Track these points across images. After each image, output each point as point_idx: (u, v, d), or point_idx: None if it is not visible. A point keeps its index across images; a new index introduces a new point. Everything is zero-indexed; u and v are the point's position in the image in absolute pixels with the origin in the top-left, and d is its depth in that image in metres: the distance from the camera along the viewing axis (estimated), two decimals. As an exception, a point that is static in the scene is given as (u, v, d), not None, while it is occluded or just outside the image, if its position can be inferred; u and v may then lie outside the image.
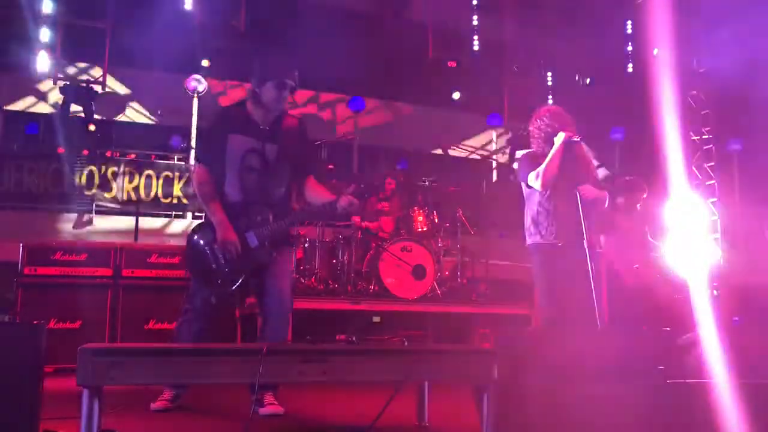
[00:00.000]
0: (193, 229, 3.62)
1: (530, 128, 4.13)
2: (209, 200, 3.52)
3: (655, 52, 6.65)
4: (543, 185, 3.93)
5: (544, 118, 4.05)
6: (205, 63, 9.54)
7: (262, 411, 3.40)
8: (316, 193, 3.72)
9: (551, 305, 3.95)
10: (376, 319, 6.17)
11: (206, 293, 3.51)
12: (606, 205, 4.12)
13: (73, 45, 9.17)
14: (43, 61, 9.00)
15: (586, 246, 3.76)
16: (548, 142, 4.00)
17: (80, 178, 8.34)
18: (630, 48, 10.59)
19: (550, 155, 3.92)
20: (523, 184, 4.12)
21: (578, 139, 3.93)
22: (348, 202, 3.56)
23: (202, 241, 3.51)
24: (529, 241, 4.11)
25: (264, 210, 3.53)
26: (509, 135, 11.56)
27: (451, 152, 9.82)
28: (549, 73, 11.61)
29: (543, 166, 3.91)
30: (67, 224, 8.09)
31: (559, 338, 2.94)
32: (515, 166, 4.26)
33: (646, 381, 2.57)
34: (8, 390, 2.35)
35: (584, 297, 3.77)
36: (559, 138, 3.92)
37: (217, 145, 3.52)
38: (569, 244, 3.90)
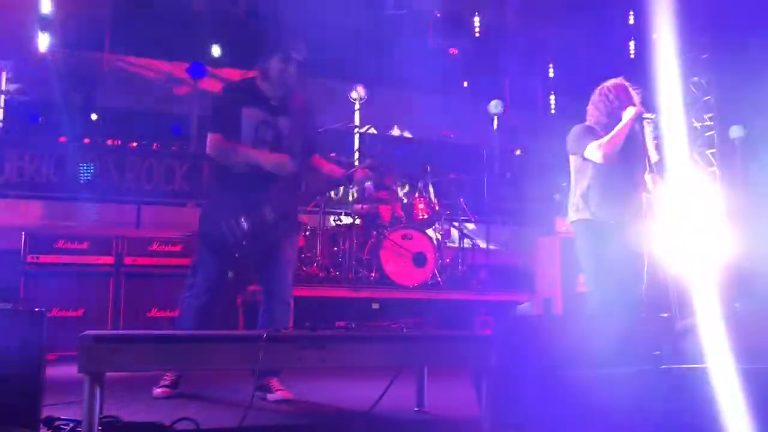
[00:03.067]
0: (206, 204, 3.60)
1: (591, 101, 3.97)
2: (235, 149, 3.47)
3: (654, 36, 6.61)
4: (604, 157, 3.71)
5: (610, 92, 3.90)
6: (216, 52, 9.46)
7: (271, 397, 3.47)
8: (326, 169, 3.78)
9: (601, 286, 3.80)
10: (375, 305, 6.20)
11: (222, 268, 3.48)
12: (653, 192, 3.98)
13: (74, 32, 9.14)
14: (44, 48, 8.97)
15: (644, 228, 3.66)
16: (611, 117, 3.84)
17: (82, 167, 8.35)
18: (631, 34, 10.54)
19: (618, 128, 3.73)
20: (574, 157, 3.95)
21: (651, 117, 3.77)
22: (365, 174, 3.67)
23: (218, 215, 3.46)
24: (575, 216, 3.92)
25: (278, 183, 3.49)
26: (510, 122, 11.51)
27: (452, 139, 9.81)
28: (550, 60, 11.55)
29: (608, 137, 3.73)
30: (68, 213, 8.10)
31: (557, 323, 2.95)
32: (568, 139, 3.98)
33: (643, 366, 2.58)
34: (10, 377, 2.37)
35: (633, 281, 3.69)
36: (629, 112, 3.75)
37: (231, 119, 3.49)
38: (620, 224, 3.78)
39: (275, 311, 3.54)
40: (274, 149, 3.51)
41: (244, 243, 3.39)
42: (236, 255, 3.40)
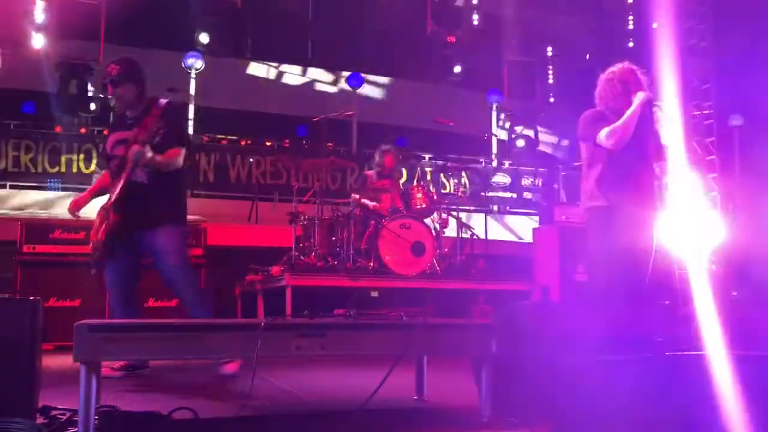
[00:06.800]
0: None
1: (599, 87, 3.91)
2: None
3: (655, 25, 6.58)
4: (616, 144, 3.68)
5: (617, 77, 3.84)
6: (204, 39, 9.41)
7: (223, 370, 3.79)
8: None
9: (608, 273, 3.73)
10: (374, 293, 6.18)
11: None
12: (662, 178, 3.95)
13: (69, 21, 9.06)
14: (38, 38, 8.90)
15: (655, 215, 3.62)
16: (619, 102, 3.78)
17: (78, 157, 8.32)
18: (630, 23, 10.50)
19: (628, 113, 3.68)
20: (585, 145, 3.89)
21: (659, 104, 3.78)
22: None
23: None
24: (589, 204, 3.84)
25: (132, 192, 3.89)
26: (509, 111, 11.48)
27: (451, 129, 9.78)
28: (549, 48, 11.50)
29: (619, 123, 3.68)
30: (64, 203, 8.06)
31: (557, 311, 2.93)
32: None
33: (645, 353, 2.57)
34: (6, 366, 2.35)
35: (640, 268, 3.66)
36: (639, 97, 3.70)
37: (104, 146, 4.17)
38: (635, 210, 3.72)
39: (185, 299, 3.99)
40: (122, 160, 3.90)
41: (99, 251, 3.85)
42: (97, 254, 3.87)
